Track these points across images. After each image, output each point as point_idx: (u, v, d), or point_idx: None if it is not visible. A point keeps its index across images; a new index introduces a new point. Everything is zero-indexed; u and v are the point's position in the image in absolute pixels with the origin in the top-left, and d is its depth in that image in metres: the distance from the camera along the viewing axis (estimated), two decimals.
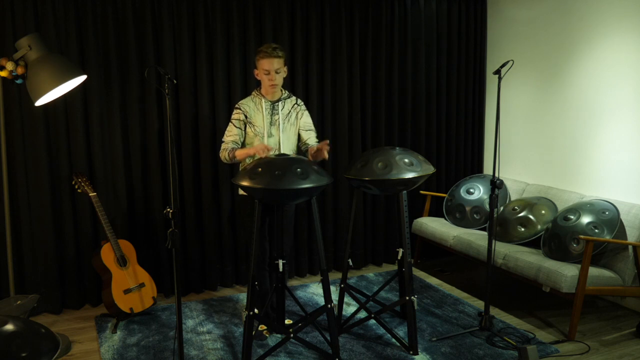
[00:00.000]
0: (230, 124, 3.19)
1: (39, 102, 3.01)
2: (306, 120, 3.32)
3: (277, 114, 3.19)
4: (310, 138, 3.32)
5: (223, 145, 3.18)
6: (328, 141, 3.09)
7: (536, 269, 3.42)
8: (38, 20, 3.49)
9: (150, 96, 3.83)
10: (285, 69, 3.16)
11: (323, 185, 2.75)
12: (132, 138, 3.83)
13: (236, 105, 3.20)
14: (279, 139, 3.20)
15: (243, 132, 3.18)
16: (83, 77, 3.12)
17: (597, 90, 3.90)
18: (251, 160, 3.16)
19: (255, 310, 2.87)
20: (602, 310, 3.76)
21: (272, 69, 3.07)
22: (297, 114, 3.28)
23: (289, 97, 3.28)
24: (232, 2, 3.93)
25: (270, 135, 3.18)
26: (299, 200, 2.79)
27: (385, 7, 4.47)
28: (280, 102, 3.22)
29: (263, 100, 3.18)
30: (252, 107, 3.17)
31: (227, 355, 3.11)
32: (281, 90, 3.24)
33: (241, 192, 3.25)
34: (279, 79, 3.13)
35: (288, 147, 3.25)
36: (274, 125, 3.18)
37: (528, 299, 3.98)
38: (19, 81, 3.13)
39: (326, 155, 3.08)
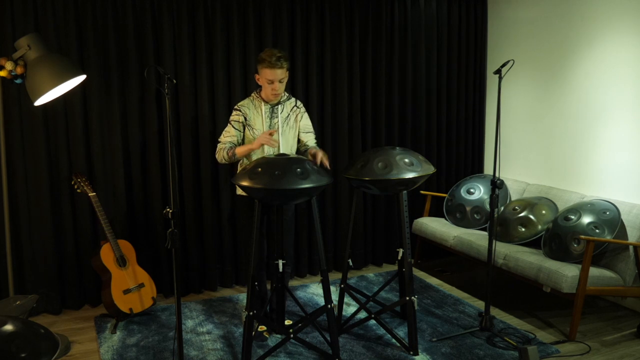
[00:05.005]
0: (228, 124, 3.17)
1: (38, 102, 3.00)
2: (306, 122, 3.32)
3: (277, 117, 3.19)
4: (309, 140, 3.32)
5: (219, 145, 3.15)
6: (326, 157, 3.10)
7: (537, 269, 3.41)
8: (37, 20, 3.48)
9: (149, 96, 3.82)
10: (287, 74, 3.13)
11: (323, 185, 2.74)
12: (132, 138, 3.83)
13: (235, 107, 3.18)
14: (278, 143, 3.20)
15: (241, 133, 3.16)
16: (82, 77, 3.11)
17: (598, 90, 3.89)
18: (249, 161, 3.15)
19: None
20: (602, 310, 3.75)
21: (275, 79, 3.06)
22: (296, 117, 3.28)
23: (288, 100, 3.27)
24: (232, 1, 3.92)
25: None
26: (298, 200, 2.78)
27: (386, 6, 4.46)
28: (280, 105, 3.22)
29: (263, 103, 3.17)
30: (252, 110, 3.16)
31: (226, 355, 3.10)
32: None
33: (239, 191, 3.25)
34: (282, 88, 3.13)
35: (287, 151, 3.25)
36: (273, 128, 3.17)
37: (528, 299, 3.97)
38: (18, 81, 3.12)
39: (325, 162, 3.09)
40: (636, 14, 3.58)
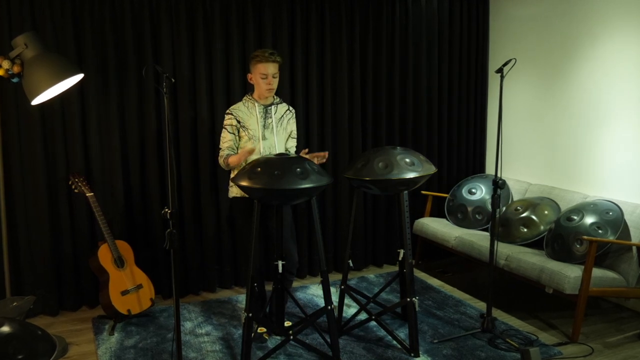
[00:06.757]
0: (223, 130, 3.19)
1: (36, 101, 2.97)
2: (293, 127, 3.37)
3: (270, 117, 3.21)
4: (292, 147, 3.37)
5: (220, 153, 3.19)
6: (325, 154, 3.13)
7: (539, 270, 3.38)
8: (35, 18, 3.45)
9: (148, 95, 3.79)
10: (278, 72, 3.17)
11: (323, 185, 2.72)
12: (130, 137, 3.80)
13: (227, 111, 3.20)
14: (274, 142, 3.19)
15: (237, 136, 3.17)
16: (80, 76, 3.08)
17: (601, 89, 3.86)
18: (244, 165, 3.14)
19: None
20: (605, 311, 3.72)
21: (269, 73, 3.10)
22: (288, 120, 3.32)
23: (280, 103, 3.31)
24: (231, 0, 3.90)
25: (264, 138, 3.18)
26: (298, 200, 2.76)
27: (386, 5, 4.44)
28: (273, 106, 3.25)
29: (256, 104, 3.19)
30: (245, 111, 3.17)
31: (226, 357, 3.07)
32: (273, 97, 3.27)
33: (233, 194, 3.22)
34: (276, 83, 3.17)
35: (281, 150, 3.26)
36: (267, 128, 3.19)
37: (530, 300, 3.94)
38: (15, 80, 3.09)
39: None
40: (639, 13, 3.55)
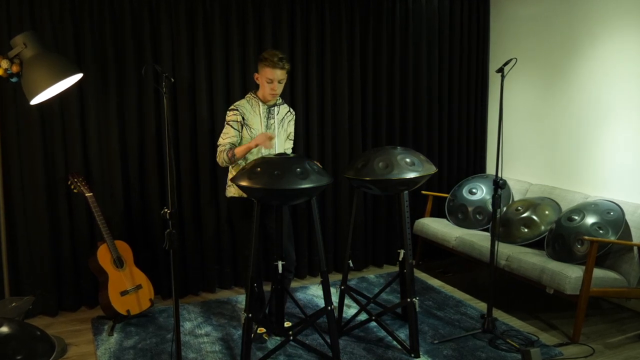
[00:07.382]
0: (226, 125, 3.14)
1: (34, 101, 2.96)
2: (292, 129, 3.36)
3: (273, 118, 3.20)
4: (289, 148, 3.37)
5: (220, 148, 3.12)
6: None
7: (540, 270, 3.37)
8: (34, 18, 3.45)
9: (147, 95, 3.78)
10: (286, 77, 3.15)
11: (323, 186, 2.71)
12: (129, 137, 3.79)
13: (232, 107, 3.15)
14: (275, 143, 3.18)
15: (240, 133, 3.13)
16: (79, 76, 3.07)
17: (602, 88, 3.85)
18: (247, 161, 3.12)
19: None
20: (606, 312, 3.71)
21: (275, 79, 3.07)
22: (289, 121, 3.31)
23: (282, 104, 3.30)
24: (231, 0, 3.89)
25: None
26: (298, 200, 2.75)
27: (387, 4, 4.43)
28: (275, 107, 3.23)
29: (260, 103, 3.17)
30: (249, 109, 3.15)
31: (225, 358, 3.06)
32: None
33: (230, 193, 3.20)
34: (281, 89, 3.14)
35: (281, 152, 3.23)
36: (269, 128, 3.18)
37: (531, 300, 3.93)
38: (14, 79, 3.08)
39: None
40: None
